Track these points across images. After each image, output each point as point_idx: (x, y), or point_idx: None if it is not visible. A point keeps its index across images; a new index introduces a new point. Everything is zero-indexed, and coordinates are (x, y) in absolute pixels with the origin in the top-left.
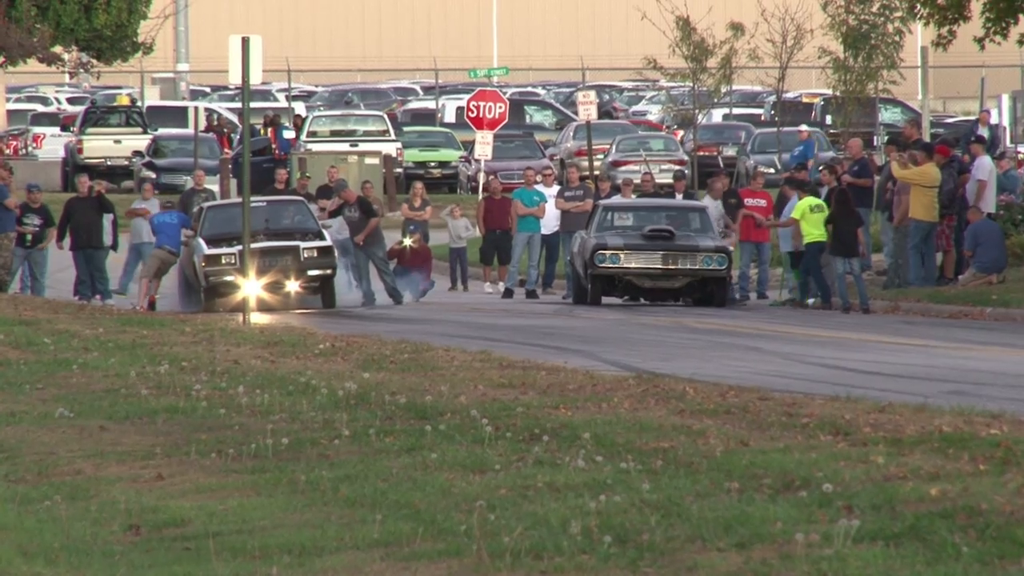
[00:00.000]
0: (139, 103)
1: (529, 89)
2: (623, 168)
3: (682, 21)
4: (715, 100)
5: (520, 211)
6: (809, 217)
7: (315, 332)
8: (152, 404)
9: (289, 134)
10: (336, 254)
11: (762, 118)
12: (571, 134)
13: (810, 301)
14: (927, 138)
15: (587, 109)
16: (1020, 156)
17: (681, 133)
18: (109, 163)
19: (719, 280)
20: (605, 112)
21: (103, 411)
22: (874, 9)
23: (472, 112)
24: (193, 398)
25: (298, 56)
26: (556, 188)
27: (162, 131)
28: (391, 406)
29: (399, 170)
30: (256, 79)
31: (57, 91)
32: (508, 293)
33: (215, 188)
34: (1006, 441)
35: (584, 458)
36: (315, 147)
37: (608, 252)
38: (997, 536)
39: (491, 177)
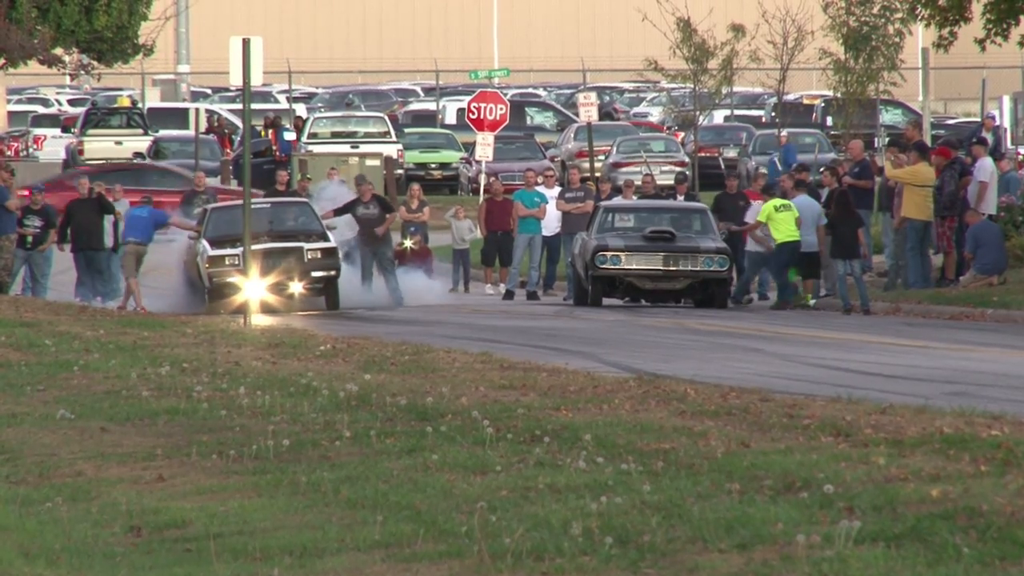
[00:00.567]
0: (140, 105)
1: (530, 90)
2: (624, 169)
3: (683, 22)
4: (716, 102)
5: (521, 212)
6: (776, 217)
7: (316, 334)
8: (153, 405)
9: (290, 136)
10: (341, 256)
11: (763, 120)
12: (572, 135)
13: (812, 302)
14: (928, 140)
15: (588, 111)
16: (1020, 157)
17: (682, 135)
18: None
19: (720, 281)
20: (606, 113)
21: (104, 412)
22: (875, 10)
23: (473, 114)
24: (194, 399)
25: (299, 57)
26: (557, 189)
27: (163, 133)
28: (392, 407)
29: (400, 171)
30: (257, 80)
31: (58, 93)
32: (509, 295)
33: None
34: (1007, 442)
35: (585, 459)
36: (316, 149)
37: (609, 253)
38: (998, 537)
39: (492, 179)
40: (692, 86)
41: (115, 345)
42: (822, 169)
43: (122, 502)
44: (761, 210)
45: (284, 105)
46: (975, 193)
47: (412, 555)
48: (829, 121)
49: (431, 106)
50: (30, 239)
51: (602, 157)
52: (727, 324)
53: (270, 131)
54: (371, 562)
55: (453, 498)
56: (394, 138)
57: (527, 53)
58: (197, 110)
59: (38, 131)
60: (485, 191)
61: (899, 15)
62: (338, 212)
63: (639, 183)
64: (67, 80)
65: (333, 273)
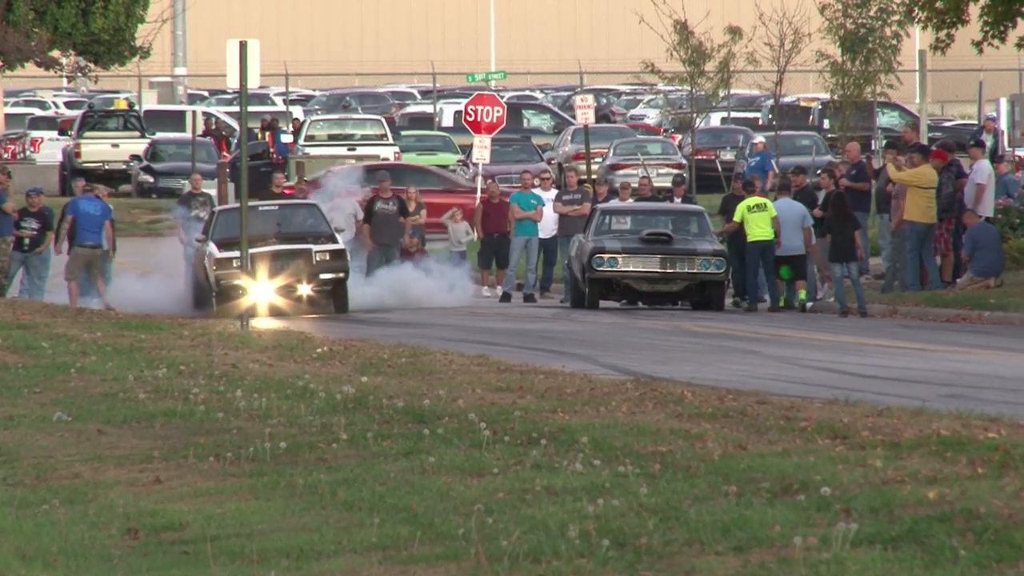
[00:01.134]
0: (137, 107)
1: (527, 93)
2: (621, 172)
3: (680, 25)
4: (713, 104)
5: (518, 215)
6: (750, 217)
7: (313, 336)
8: (150, 408)
9: (287, 138)
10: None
11: (760, 122)
12: (569, 138)
13: (809, 304)
14: (924, 142)
15: (585, 113)
16: (1016, 160)
17: (679, 137)
18: (107, 167)
19: (717, 284)
20: (603, 116)
21: (101, 415)
22: (872, 13)
23: (470, 116)
24: (191, 402)
25: (296, 60)
26: (554, 192)
27: (160, 135)
28: (389, 410)
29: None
30: (254, 83)
31: (55, 95)
32: (506, 297)
33: (213, 192)
34: (1004, 445)
35: (582, 462)
36: (313, 151)
37: (606, 256)
38: (995, 539)
39: (489, 181)
40: (689, 88)
41: (112, 347)
42: (819, 172)
43: (119, 504)
44: (736, 210)
45: (281, 108)
46: (972, 195)
47: (409, 557)
48: (826, 123)
49: (428, 109)
50: (27, 241)
51: (599, 159)
52: (724, 326)
53: (267, 134)
54: (368, 564)
55: (450, 500)
56: (391, 141)
57: (524, 56)
58: (194, 113)
59: (35, 134)
60: (482, 193)
61: (896, 17)
62: (367, 219)
63: (636, 185)
64: (64, 83)
65: (342, 275)
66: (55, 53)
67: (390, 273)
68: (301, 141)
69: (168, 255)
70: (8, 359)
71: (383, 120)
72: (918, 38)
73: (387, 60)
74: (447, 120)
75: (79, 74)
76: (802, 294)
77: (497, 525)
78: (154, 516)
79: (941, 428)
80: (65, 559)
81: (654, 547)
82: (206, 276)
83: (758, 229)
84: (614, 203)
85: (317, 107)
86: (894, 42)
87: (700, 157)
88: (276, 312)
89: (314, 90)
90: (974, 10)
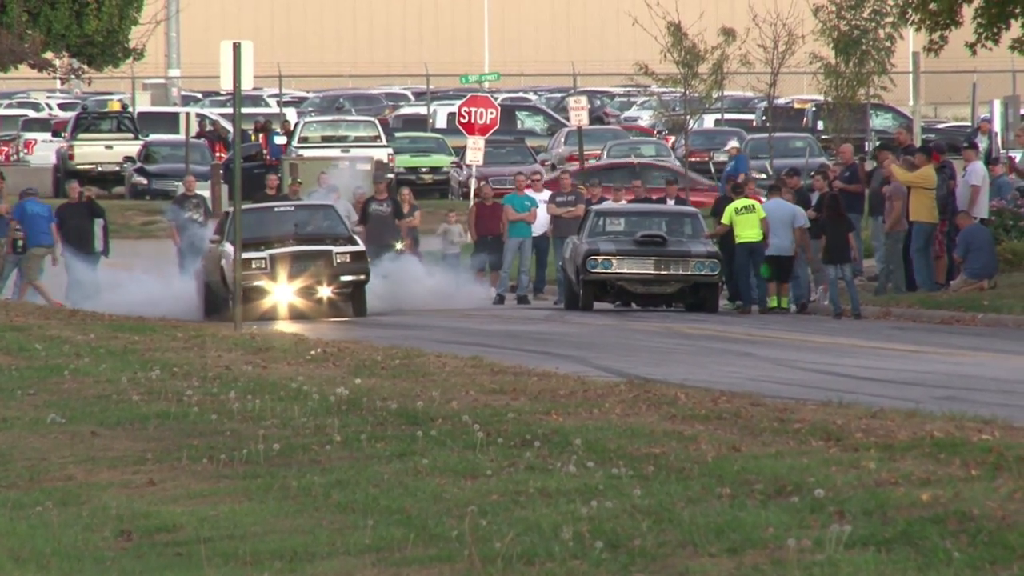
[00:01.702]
0: (130, 109)
1: (520, 95)
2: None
3: (673, 26)
4: (706, 106)
5: (511, 217)
6: (738, 219)
7: (306, 338)
8: (143, 410)
9: (280, 140)
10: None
11: (753, 124)
12: (563, 140)
13: (793, 307)
14: (917, 143)
15: (578, 115)
16: (1007, 161)
17: (672, 139)
18: (100, 169)
19: (711, 286)
20: (596, 118)
21: (94, 417)
22: (865, 15)
23: (463, 118)
24: (184, 404)
25: (289, 62)
26: (547, 193)
27: (153, 137)
28: (382, 412)
29: (390, 176)
30: (247, 85)
31: (48, 97)
32: (500, 299)
33: (206, 194)
34: (997, 446)
35: (575, 464)
36: (306, 153)
37: (600, 258)
38: (988, 541)
39: (482, 183)
40: (682, 90)
41: (105, 349)
42: (813, 173)
43: (112, 506)
44: (724, 212)
45: (275, 109)
46: (966, 197)
47: (402, 559)
48: (820, 125)
49: (422, 110)
50: (21, 243)
51: (592, 161)
52: (718, 328)
53: (260, 135)
54: (361, 566)
55: (443, 502)
56: (384, 142)
57: (517, 57)
58: (188, 114)
59: (28, 135)
60: (475, 195)
61: (890, 19)
62: (362, 221)
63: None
64: (57, 84)
65: (363, 278)
66: (48, 55)
67: (400, 273)
68: (294, 143)
69: (163, 256)
70: (1, 361)
71: (376, 122)
72: (911, 40)
73: (380, 62)
74: (440, 122)
75: (72, 76)
76: (784, 301)
77: (491, 527)
78: (148, 518)
79: (935, 430)
80: (59, 561)
81: (648, 549)
82: (221, 278)
83: (746, 231)
84: (608, 205)
85: (310, 109)
86: (888, 44)
87: (693, 159)
88: (296, 315)
89: (308, 91)
90: (967, 12)
